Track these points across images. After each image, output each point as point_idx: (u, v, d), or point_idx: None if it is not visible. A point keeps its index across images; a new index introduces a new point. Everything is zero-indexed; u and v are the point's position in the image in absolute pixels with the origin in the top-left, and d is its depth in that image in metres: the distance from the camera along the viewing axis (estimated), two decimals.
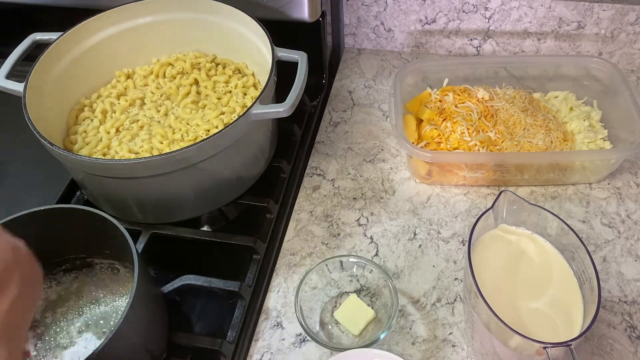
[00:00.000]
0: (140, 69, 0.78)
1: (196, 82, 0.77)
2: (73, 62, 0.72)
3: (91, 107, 0.74)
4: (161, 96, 0.75)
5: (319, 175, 0.77)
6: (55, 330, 0.57)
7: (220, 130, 0.59)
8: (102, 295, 0.60)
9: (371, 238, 0.69)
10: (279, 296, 0.64)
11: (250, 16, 0.70)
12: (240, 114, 0.65)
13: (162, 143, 0.68)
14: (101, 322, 0.58)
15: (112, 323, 0.57)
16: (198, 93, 0.75)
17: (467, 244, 0.52)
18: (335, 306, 0.62)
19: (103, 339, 0.46)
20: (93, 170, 0.60)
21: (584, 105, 0.79)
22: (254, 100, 0.61)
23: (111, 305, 0.59)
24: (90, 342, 0.56)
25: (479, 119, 0.74)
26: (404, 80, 0.78)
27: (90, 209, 0.55)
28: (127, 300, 0.59)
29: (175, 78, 0.77)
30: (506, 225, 0.56)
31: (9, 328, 0.38)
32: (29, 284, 0.41)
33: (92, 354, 0.45)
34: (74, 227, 0.56)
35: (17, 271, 0.40)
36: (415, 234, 0.69)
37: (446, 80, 0.81)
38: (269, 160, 0.73)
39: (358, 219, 0.71)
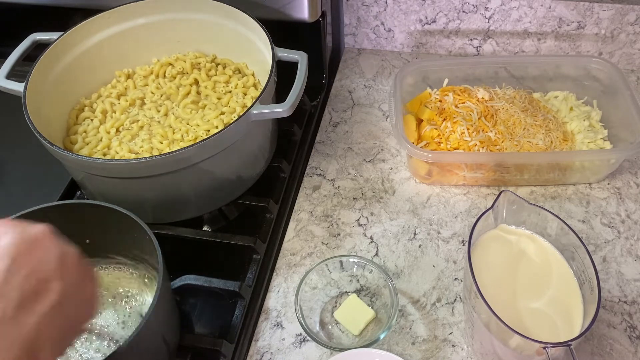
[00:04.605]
0: (140, 69, 0.78)
1: (196, 82, 0.77)
2: (73, 62, 0.72)
3: (91, 107, 0.74)
4: (161, 96, 0.75)
5: (319, 175, 0.77)
6: None
7: (220, 130, 0.59)
8: (117, 292, 0.60)
9: (371, 238, 0.69)
10: (279, 296, 0.64)
11: (250, 16, 0.70)
12: (240, 114, 0.65)
13: (162, 143, 0.68)
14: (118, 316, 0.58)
15: (128, 318, 0.58)
16: (198, 93, 0.75)
17: (467, 244, 0.52)
18: (335, 306, 0.62)
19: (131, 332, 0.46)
20: (93, 170, 0.60)
21: (584, 105, 0.79)
22: (254, 100, 0.61)
23: (126, 301, 0.60)
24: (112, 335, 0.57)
25: (479, 119, 0.74)
26: (404, 80, 0.78)
27: (109, 204, 0.55)
28: (142, 295, 0.60)
29: (175, 78, 0.77)
30: (506, 225, 0.56)
31: (43, 340, 0.36)
32: (74, 294, 0.38)
33: (125, 342, 0.46)
34: (87, 224, 0.56)
35: (58, 282, 0.37)
36: (415, 234, 0.69)
37: (446, 80, 0.81)
38: (269, 160, 0.73)
39: (358, 219, 0.71)
